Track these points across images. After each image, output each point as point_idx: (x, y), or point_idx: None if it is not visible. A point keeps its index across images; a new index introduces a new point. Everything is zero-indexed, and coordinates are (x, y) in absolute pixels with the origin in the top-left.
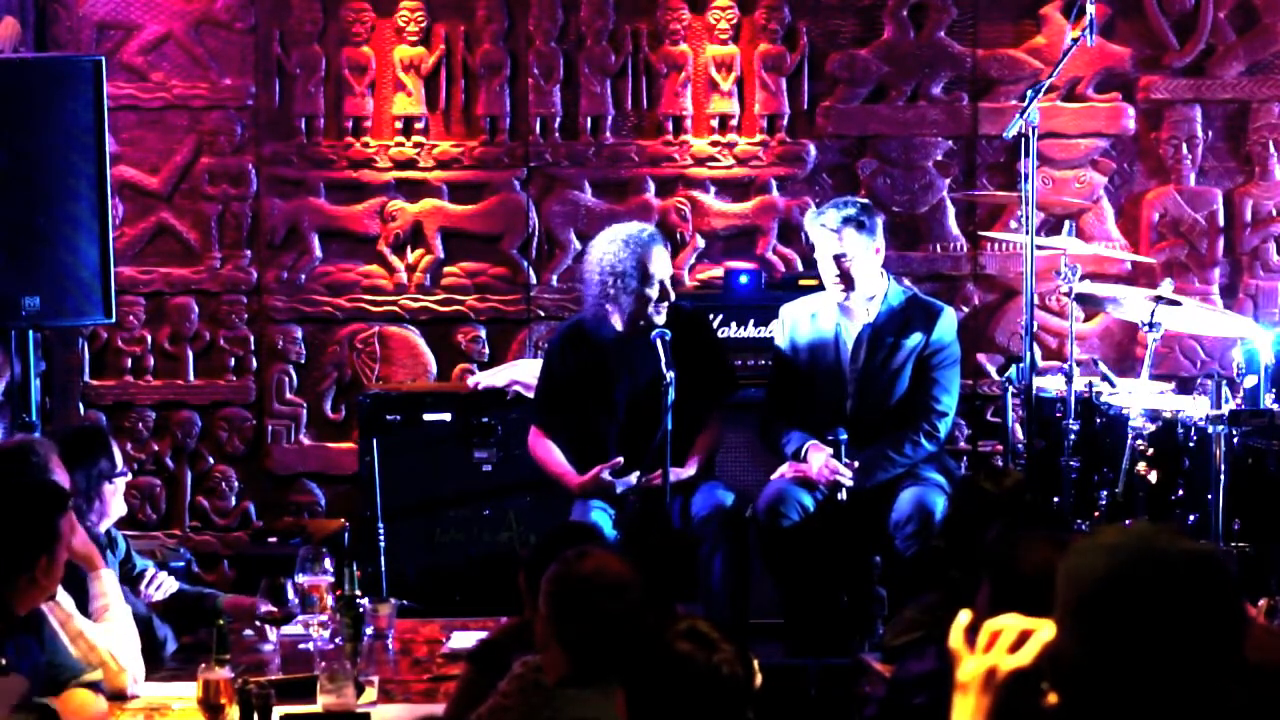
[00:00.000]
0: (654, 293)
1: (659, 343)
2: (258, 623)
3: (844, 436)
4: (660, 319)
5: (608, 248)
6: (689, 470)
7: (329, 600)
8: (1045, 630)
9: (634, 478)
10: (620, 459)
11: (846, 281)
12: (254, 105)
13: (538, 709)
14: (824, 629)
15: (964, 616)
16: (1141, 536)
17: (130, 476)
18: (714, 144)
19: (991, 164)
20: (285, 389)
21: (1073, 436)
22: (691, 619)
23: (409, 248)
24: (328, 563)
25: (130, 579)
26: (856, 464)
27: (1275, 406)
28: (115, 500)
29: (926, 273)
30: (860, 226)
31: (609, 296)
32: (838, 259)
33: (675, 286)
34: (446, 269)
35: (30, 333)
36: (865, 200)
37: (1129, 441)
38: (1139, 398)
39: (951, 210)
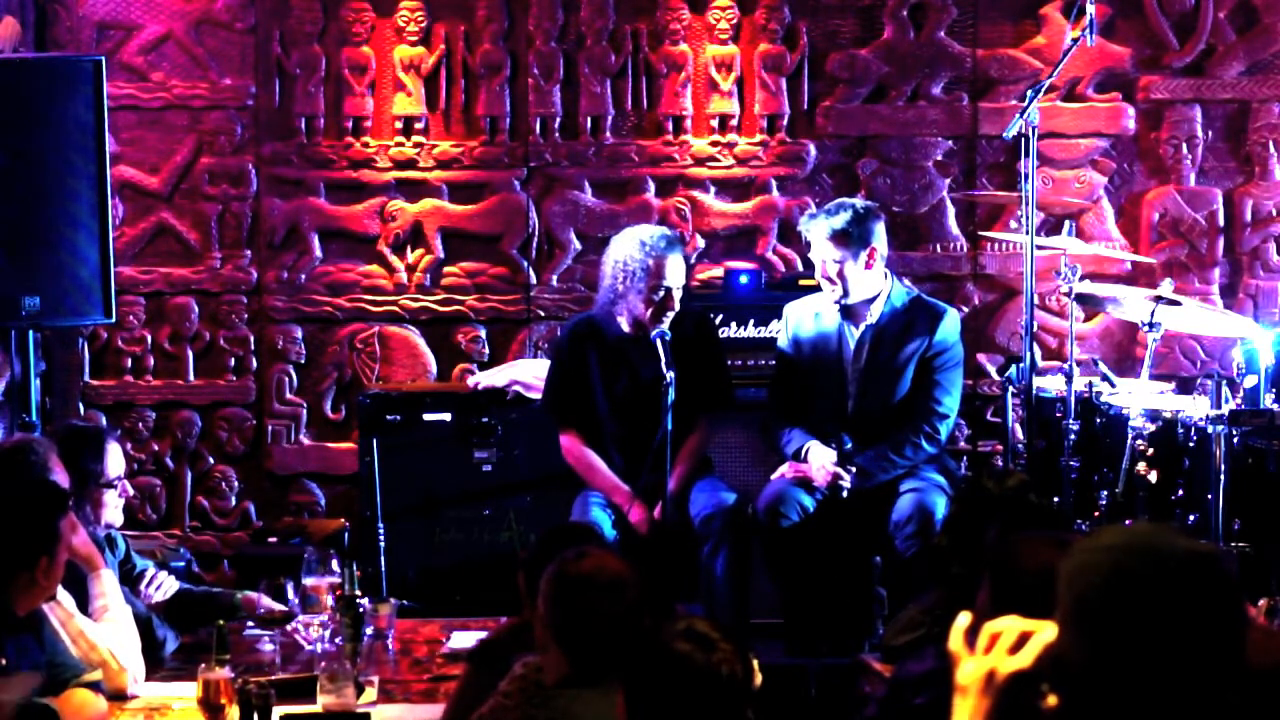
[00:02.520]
0: (662, 298)
1: (659, 343)
2: (261, 614)
3: (849, 445)
4: (662, 325)
5: (626, 245)
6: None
7: (329, 600)
8: (1045, 632)
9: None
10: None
11: (840, 285)
12: (254, 105)
13: (538, 709)
14: (824, 629)
15: (963, 618)
16: (1142, 537)
17: (124, 492)
18: (714, 144)
19: (991, 164)
20: (285, 389)
21: (1073, 436)
22: (690, 619)
23: (409, 248)
24: (334, 564)
25: (130, 579)
26: (854, 470)
27: (1275, 406)
28: (108, 510)
29: (926, 273)
30: (846, 238)
31: (618, 294)
32: (827, 266)
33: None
34: (446, 269)
35: (30, 333)
36: (861, 204)
37: (1129, 441)
38: (1139, 398)
39: (951, 210)
